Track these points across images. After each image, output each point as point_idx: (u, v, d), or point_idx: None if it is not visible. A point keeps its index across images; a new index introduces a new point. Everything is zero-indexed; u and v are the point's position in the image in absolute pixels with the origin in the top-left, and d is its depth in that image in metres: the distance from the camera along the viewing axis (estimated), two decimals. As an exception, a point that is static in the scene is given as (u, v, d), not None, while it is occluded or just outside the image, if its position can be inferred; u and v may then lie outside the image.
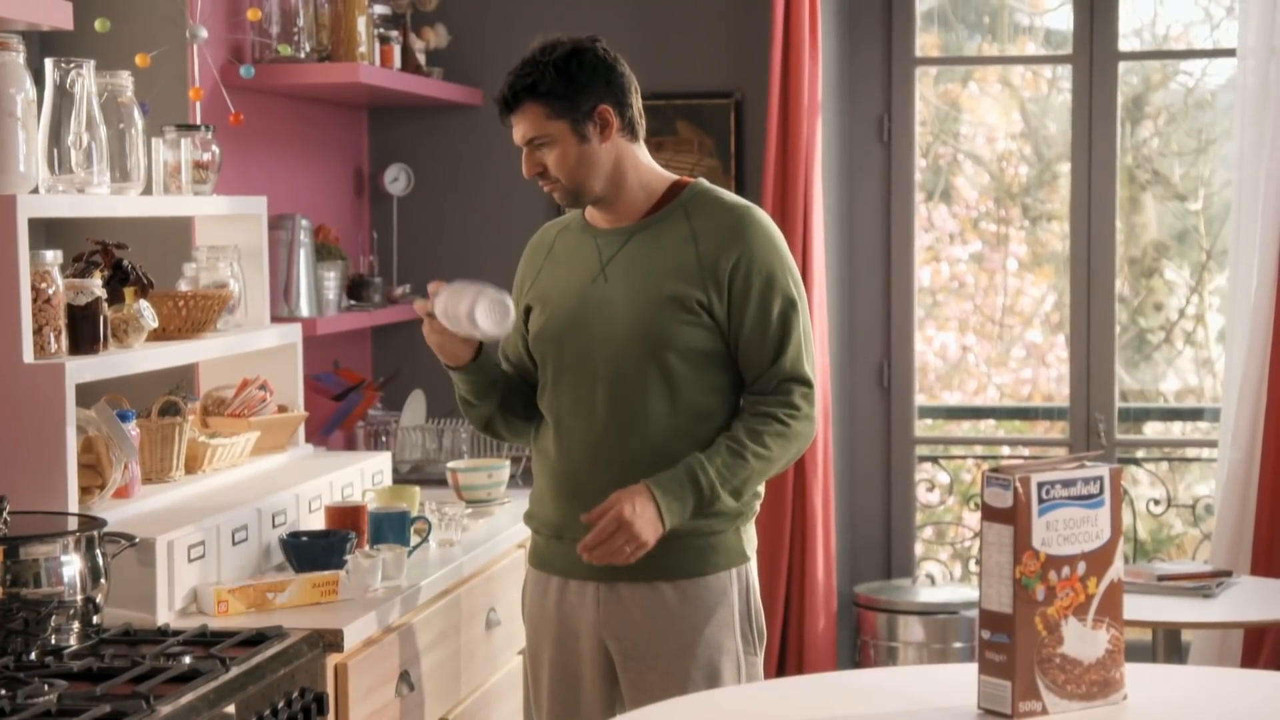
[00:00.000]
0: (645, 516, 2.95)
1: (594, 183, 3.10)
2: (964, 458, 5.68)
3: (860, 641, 5.17)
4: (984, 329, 5.71)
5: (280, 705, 2.71)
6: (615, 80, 3.15)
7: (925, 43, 5.49)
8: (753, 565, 3.16)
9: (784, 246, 3.13)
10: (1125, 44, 5.33)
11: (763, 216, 3.13)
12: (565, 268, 3.18)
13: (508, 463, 4.17)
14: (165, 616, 2.98)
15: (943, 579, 5.43)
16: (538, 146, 3.10)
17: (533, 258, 3.28)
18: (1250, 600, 4.16)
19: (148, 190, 3.47)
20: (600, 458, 3.07)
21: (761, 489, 3.15)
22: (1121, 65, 5.31)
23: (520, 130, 3.10)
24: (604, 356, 3.08)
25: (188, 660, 2.64)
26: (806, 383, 3.08)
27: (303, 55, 4.39)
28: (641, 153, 3.17)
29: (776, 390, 3.06)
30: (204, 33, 3.94)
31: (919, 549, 5.54)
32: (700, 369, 3.06)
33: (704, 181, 3.19)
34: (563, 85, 3.09)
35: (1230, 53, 5.18)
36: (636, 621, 3.08)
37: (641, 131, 3.17)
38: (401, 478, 4.48)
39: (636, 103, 3.17)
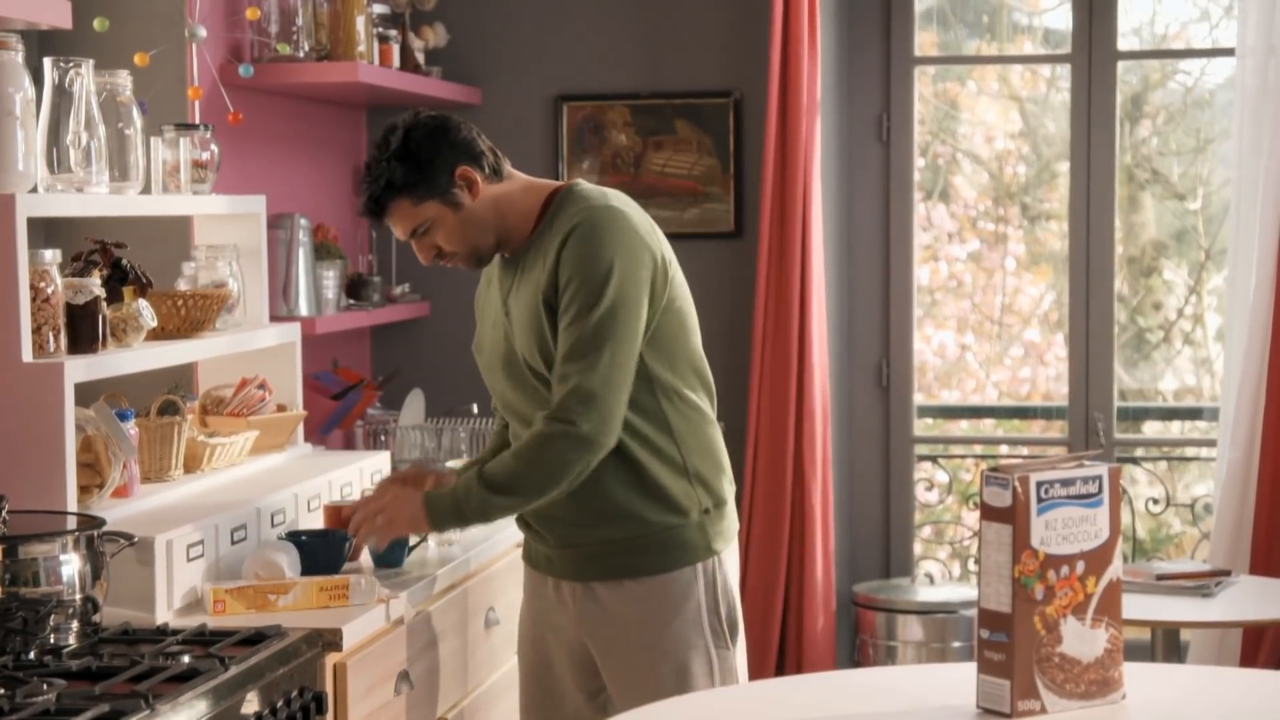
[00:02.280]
0: (405, 496, 3.13)
1: (485, 239, 3.12)
2: (963, 457, 5.69)
3: (859, 641, 5.17)
4: (982, 328, 5.71)
5: (279, 704, 2.71)
6: (456, 139, 3.10)
7: (924, 42, 5.49)
8: (724, 557, 3.15)
9: (624, 243, 3.02)
10: (1124, 43, 5.33)
11: (605, 211, 3.05)
12: (485, 315, 3.25)
13: (507, 462, 4.17)
14: (164, 616, 2.97)
15: (941, 578, 5.43)
16: (423, 235, 3.10)
17: (475, 307, 3.33)
18: (1249, 599, 4.16)
19: (146, 189, 3.46)
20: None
21: (721, 482, 3.16)
22: (1120, 65, 5.31)
23: (401, 228, 3.11)
24: (515, 391, 3.14)
25: (187, 659, 2.64)
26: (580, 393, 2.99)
27: (302, 54, 4.39)
28: (511, 184, 3.15)
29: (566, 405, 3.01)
30: (203, 32, 3.94)
31: (918, 548, 5.55)
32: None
33: (579, 183, 3.15)
34: (414, 171, 3.05)
35: (1229, 52, 5.18)
36: (610, 619, 3.12)
37: (504, 165, 3.15)
38: (400, 477, 4.48)
39: (484, 143, 3.14)
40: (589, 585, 3.13)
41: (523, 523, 3.25)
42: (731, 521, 3.18)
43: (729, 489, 3.18)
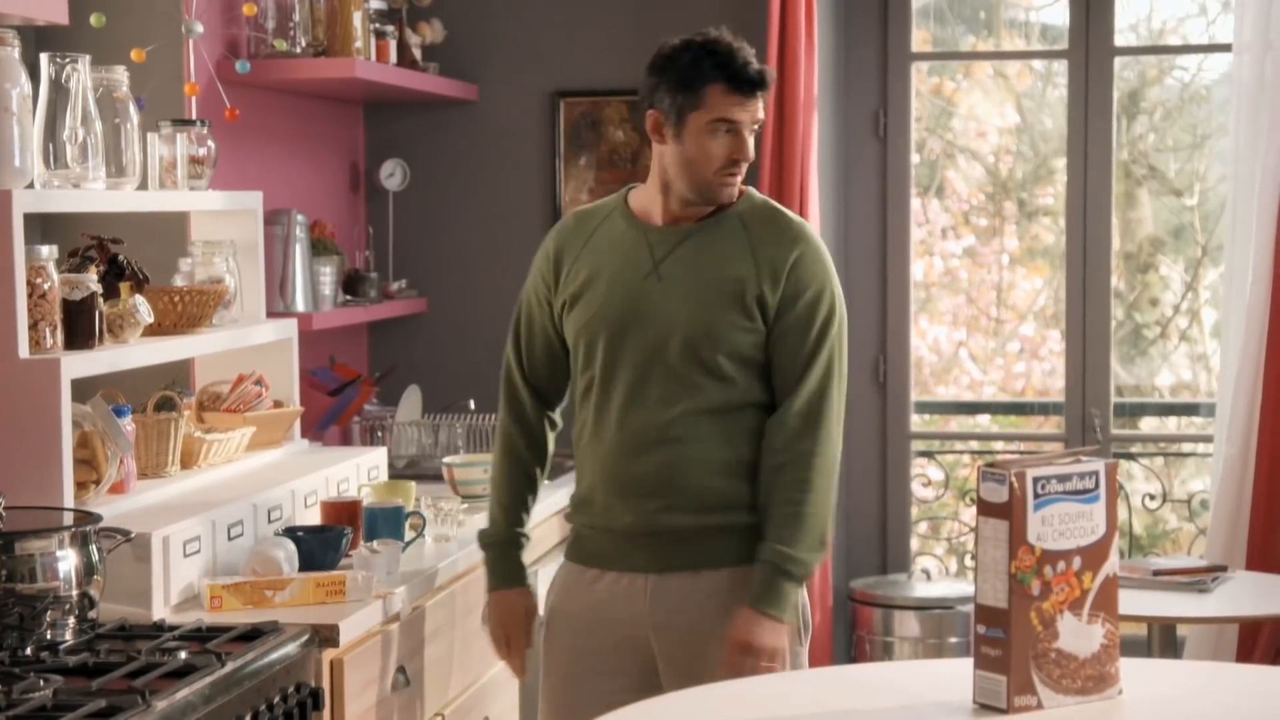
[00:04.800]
0: (762, 635, 3.01)
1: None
2: (960, 453, 5.69)
3: (856, 637, 5.17)
4: (978, 323, 5.71)
5: (276, 700, 2.71)
6: None
7: (920, 38, 5.49)
8: None
9: (834, 269, 3.17)
10: (1121, 39, 5.33)
11: (817, 234, 3.20)
12: (611, 260, 3.13)
13: (503, 458, 4.17)
14: (161, 612, 2.97)
15: (938, 574, 5.44)
16: (755, 132, 3.13)
17: (567, 246, 3.18)
18: (1245, 595, 4.17)
19: (143, 185, 3.46)
20: (652, 454, 3.08)
21: None
22: (1117, 61, 5.31)
23: (754, 113, 3.09)
24: (659, 353, 3.07)
25: (183, 655, 2.64)
26: (822, 415, 3.08)
27: (298, 50, 4.39)
28: None
29: (797, 428, 3.07)
30: (200, 28, 3.94)
31: (914, 544, 5.55)
32: (744, 370, 3.08)
33: (756, 193, 3.19)
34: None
35: (1226, 48, 5.18)
36: (686, 609, 3.08)
37: None
38: (397, 473, 4.48)
39: None
40: (664, 576, 3.09)
41: (593, 515, 3.16)
42: None
43: None
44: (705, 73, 3.05)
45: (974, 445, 5.68)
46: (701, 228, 3.11)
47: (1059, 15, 5.41)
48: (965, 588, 5.08)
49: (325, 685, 2.91)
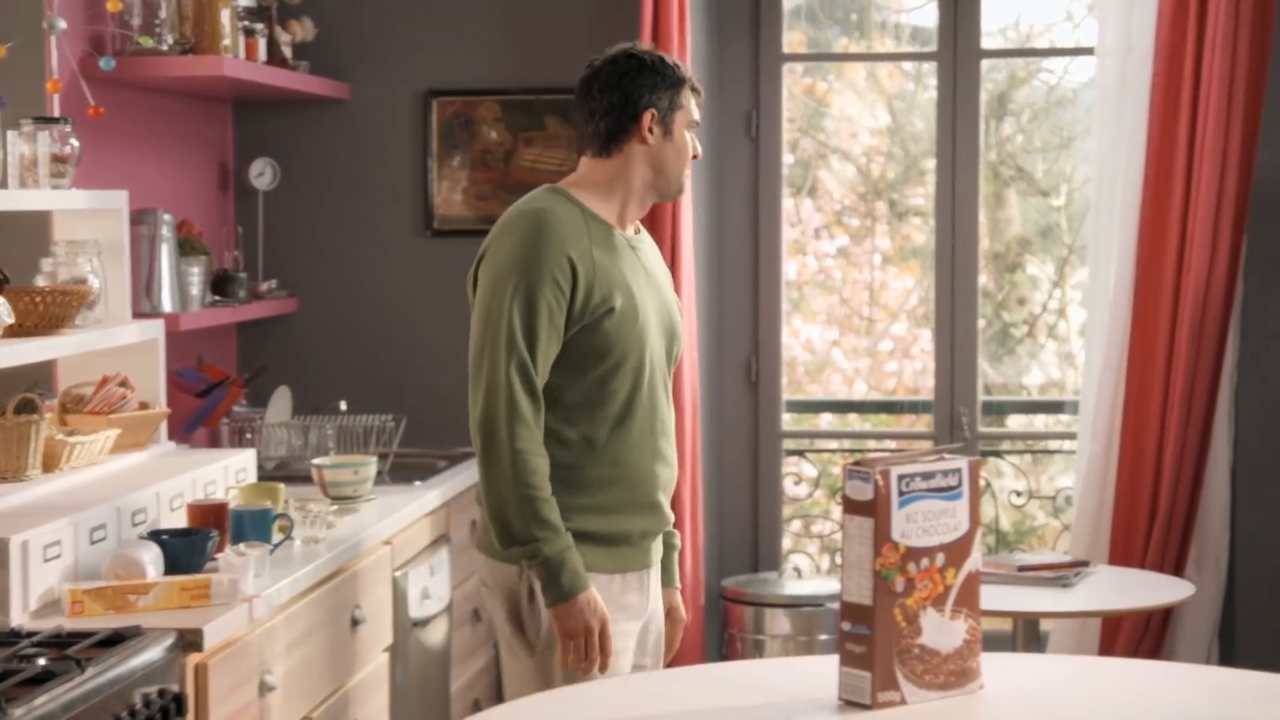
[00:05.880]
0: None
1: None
2: (832, 451, 5.73)
3: (727, 635, 5.19)
4: (850, 323, 5.76)
5: (138, 707, 2.67)
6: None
7: (793, 39, 5.52)
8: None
9: None
10: (989, 42, 5.40)
11: None
12: (616, 262, 3.14)
13: (374, 459, 4.14)
14: (19, 618, 2.92)
15: (810, 572, 5.47)
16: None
17: (573, 242, 3.08)
18: (1107, 589, 4.23)
19: (3, 184, 3.40)
20: (672, 455, 3.24)
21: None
22: (985, 63, 5.38)
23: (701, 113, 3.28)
24: (670, 358, 3.25)
25: (42, 662, 2.59)
26: None
27: (165, 48, 4.33)
28: None
29: None
30: (62, 24, 3.87)
31: (786, 542, 5.58)
32: None
33: None
34: None
35: (1089, 51, 5.26)
36: None
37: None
38: (266, 475, 4.44)
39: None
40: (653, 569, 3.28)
41: (617, 533, 3.17)
42: None
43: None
44: (682, 76, 3.22)
45: (846, 444, 5.72)
46: (641, 236, 3.28)
47: (929, 18, 5.47)
48: (836, 585, 5.12)
49: (189, 691, 2.87)
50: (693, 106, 3.22)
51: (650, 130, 3.17)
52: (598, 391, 3.10)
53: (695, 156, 3.24)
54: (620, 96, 3.17)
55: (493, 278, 3.07)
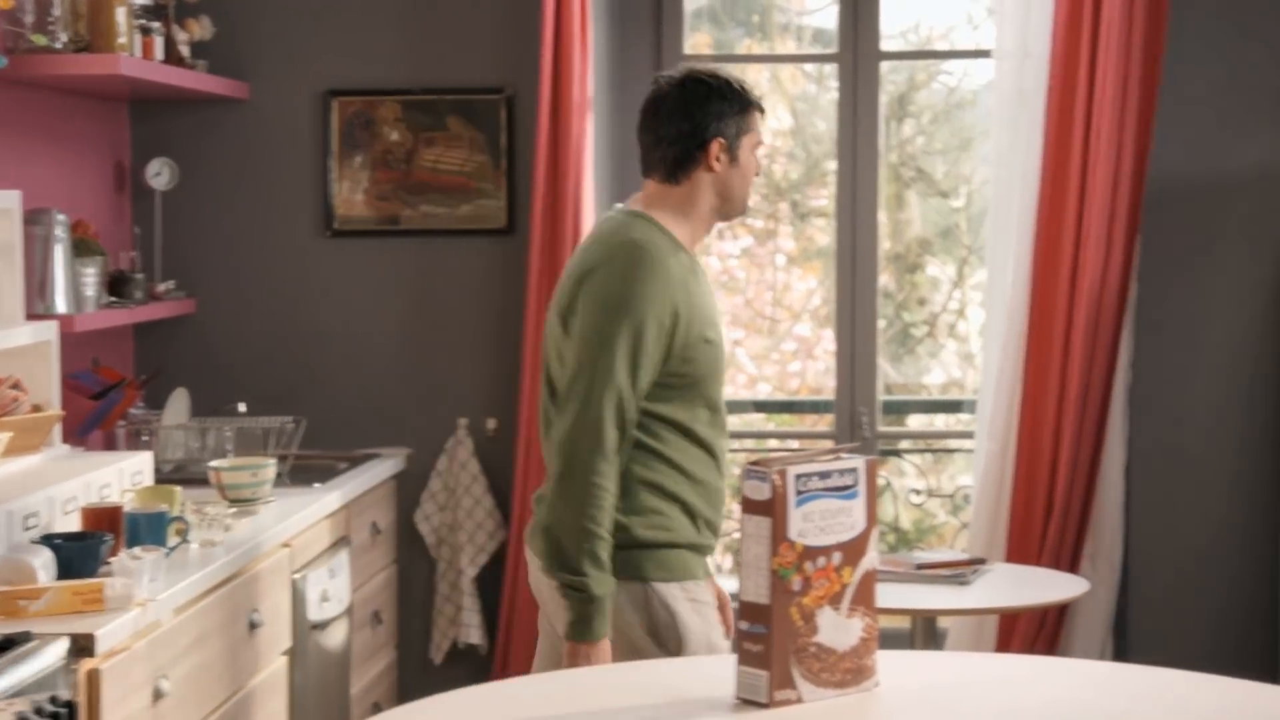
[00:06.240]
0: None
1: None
2: (735, 451, 5.74)
3: (632, 635, 5.18)
4: (754, 323, 5.78)
5: (29, 714, 2.63)
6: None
7: (696, 41, 5.53)
8: None
9: None
10: (889, 44, 5.43)
11: None
12: (700, 290, 3.19)
13: (273, 462, 4.11)
14: (-92, 624, 2.87)
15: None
16: None
17: (674, 279, 3.12)
18: (1004, 587, 4.27)
19: (-110, 183, 3.35)
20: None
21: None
22: (885, 65, 5.41)
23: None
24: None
25: (-71, 669, 2.55)
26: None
27: (59, 45, 4.27)
28: None
29: None
30: (-48, 20, 3.81)
31: (691, 542, 5.58)
32: None
33: None
34: None
35: (987, 54, 5.30)
36: None
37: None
38: (164, 478, 4.39)
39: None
40: None
41: (710, 535, 3.27)
42: None
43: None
44: (749, 100, 3.23)
45: (749, 444, 5.74)
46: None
47: (830, 19, 5.50)
48: (736, 585, 5.12)
49: (81, 698, 2.84)
50: (760, 128, 3.23)
51: (717, 159, 3.18)
52: (689, 412, 3.16)
53: (757, 174, 3.26)
54: (689, 125, 3.18)
55: (599, 306, 3.08)
